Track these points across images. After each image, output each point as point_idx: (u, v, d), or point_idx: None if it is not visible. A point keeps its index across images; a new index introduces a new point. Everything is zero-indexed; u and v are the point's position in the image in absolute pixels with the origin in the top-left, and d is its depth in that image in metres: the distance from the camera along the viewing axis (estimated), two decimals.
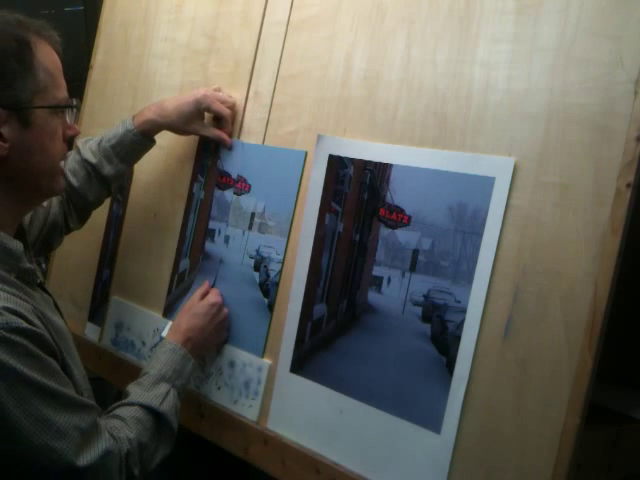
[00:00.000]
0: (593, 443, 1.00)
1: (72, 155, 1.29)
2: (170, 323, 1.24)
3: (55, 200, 1.25)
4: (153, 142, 1.32)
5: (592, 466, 1.03)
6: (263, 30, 1.27)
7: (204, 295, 1.22)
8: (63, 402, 0.86)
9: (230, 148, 1.27)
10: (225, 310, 1.21)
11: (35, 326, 0.86)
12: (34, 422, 0.82)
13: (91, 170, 1.27)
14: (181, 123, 1.27)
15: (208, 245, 1.28)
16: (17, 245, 0.93)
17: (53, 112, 0.95)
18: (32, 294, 0.95)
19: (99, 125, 1.60)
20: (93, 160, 1.27)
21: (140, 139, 1.28)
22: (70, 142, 1.05)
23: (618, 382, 1.17)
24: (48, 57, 0.94)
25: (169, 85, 1.44)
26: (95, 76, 1.65)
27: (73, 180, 1.26)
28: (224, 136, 1.27)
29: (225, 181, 1.27)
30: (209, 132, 1.28)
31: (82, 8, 2.15)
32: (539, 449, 0.84)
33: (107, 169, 1.27)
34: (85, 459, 0.86)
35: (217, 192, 1.28)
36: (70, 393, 0.88)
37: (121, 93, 1.56)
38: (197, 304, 1.20)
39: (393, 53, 1.06)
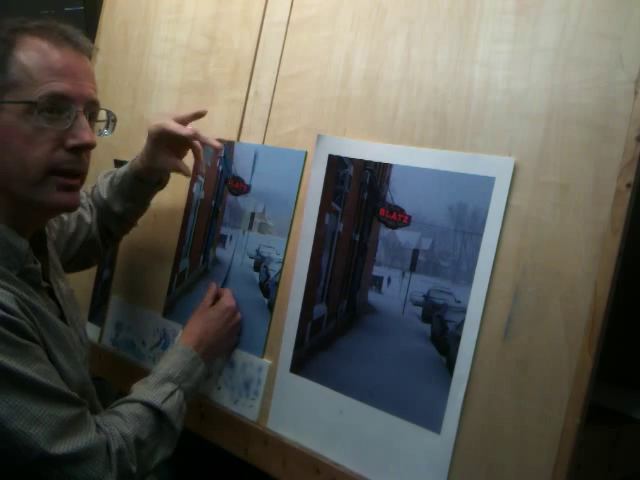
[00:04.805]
0: (593, 443, 1.00)
1: (95, 188, 1.30)
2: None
3: (95, 219, 1.26)
4: (155, 186, 1.26)
5: (592, 466, 1.03)
6: (263, 30, 1.27)
7: (214, 297, 1.20)
8: (40, 390, 0.85)
9: (203, 174, 1.26)
10: (238, 314, 1.19)
11: (14, 314, 0.85)
12: (8, 408, 0.82)
13: (103, 205, 1.28)
14: (150, 163, 1.21)
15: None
16: (22, 243, 0.92)
17: (28, 112, 0.89)
18: (35, 294, 0.93)
19: None
20: (104, 196, 1.27)
21: (136, 182, 1.24)
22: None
23: (618, 382, 1.17)
24: (34, 55, 0.90)
25: (169, 85, 1.44)
26: (95, 76, 1.65)
27: (96, 212, 1.28)
28: (181, 166, 1.20)
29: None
30: (172, 165, 1.21)
31: (82, 8, 2.14)
32: (539, 449, 0.84)
33: (116, 206, 1.27)
34: (60, 448, 0.85)
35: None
36: (49, 383, 0.87)
37: (121, 93, 1.56)
38: (210, 308, 1.17)
39: (393, 53, 1.06)
